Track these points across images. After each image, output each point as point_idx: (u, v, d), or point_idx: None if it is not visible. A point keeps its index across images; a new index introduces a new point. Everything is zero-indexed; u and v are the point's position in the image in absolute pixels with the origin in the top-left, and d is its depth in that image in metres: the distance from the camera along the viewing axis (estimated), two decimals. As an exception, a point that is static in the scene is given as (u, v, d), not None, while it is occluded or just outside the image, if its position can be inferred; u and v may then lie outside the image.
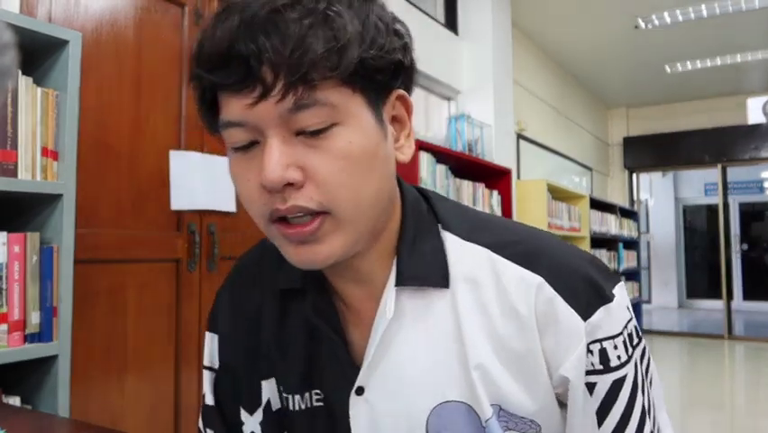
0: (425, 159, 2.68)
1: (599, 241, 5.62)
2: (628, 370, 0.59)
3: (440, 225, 0.63)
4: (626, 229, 6.50)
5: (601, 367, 0.57)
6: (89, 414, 1.73)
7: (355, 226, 0.55)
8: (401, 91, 0.59)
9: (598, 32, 5.31)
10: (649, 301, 9.80)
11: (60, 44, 1.41)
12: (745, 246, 9.76)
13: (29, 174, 1.33)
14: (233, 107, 0.52)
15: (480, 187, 3.55)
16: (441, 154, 3.00)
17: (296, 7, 0.50)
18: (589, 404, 0.58)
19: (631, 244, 6.79)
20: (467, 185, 3.38)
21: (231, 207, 2.23)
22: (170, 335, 2.02)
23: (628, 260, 6.56)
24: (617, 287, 0.60)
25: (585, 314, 0.57)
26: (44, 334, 1.34)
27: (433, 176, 2.75)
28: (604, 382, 0.58)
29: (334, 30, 0.50)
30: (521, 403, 0.58)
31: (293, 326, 0.67)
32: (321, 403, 0.64)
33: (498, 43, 4.11)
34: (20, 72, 1.34)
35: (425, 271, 0.60)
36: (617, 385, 0.58)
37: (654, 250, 10.05)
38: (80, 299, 1.66)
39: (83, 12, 1.82)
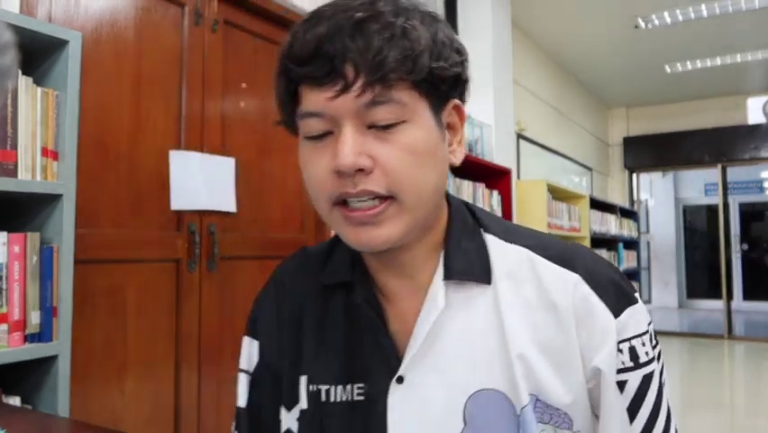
0: (425, 159, 2.68)
1: (599, 241, 5.62)
2: (655, 367, 0.64)
3: (481, 229, 0.69)
4: (626, 229, 6.49)
5: (632, 364, 0.62)
6: (89, 414, 1.73)
7: (413, 214, 0.61)
8: (457, 101, 0.66)
9: (598, 32, 5.31)
10: (649, 301, 9.80)
11: (60, 44, 1.41)
12: (745, 246, 9.76)
13: (29, 174, 1.33)
14: (315, 99, 0.59)
15: (480, 187, 3.55)
16: (441, 154, 2.98)
17: (379, 20, 0.57)
18: (621, 402, 0.62)
19: (631, 245, 6.79)
20: (467, 185, 3.38)
21: (231, 207, 2.23)
22: (170, 335, 2.02)
23: (628, 260, 6.56)
24: (636, 293, 0.66)
25: (615, 312, 0.62)
26: (44, 334, 1.34)
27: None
28: (634, 378, 0.62)
29: (411, 41, 0.57)
30: (557, 394, 0.62)
31: (334, 321, 0.71)
32: (362, 397, 0.67)
33: (498, 43, 4.11)
34: (20, 72, 1.34)
35: (470, 267, 0.65)
36: (647, 381, 0.62)
37: (654, 250, 10.05)
38: (80, 299, 1.66)
39: (83, 12, 1.82)
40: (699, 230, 10.73)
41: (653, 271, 10.16)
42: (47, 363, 1.36)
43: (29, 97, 1.34)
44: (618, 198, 7.73)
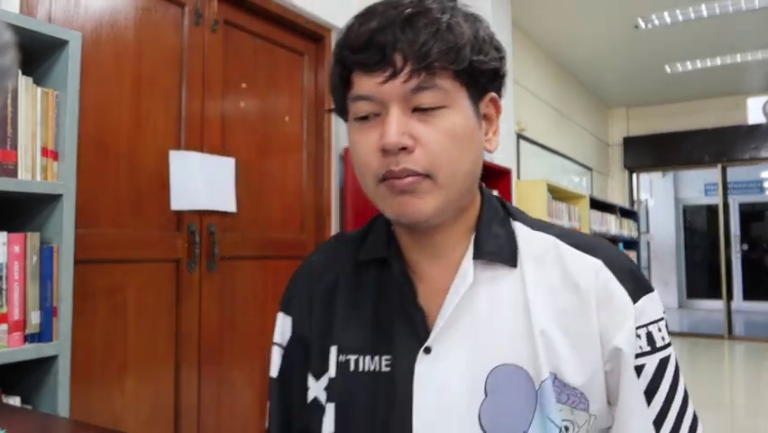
0: (425, 159, 2.69)
1: (599, 241, 5.60)
2: (671, 351, 0.68)
3: (510, 218, 0.75)
4: (626, 229, 6.49)
5: (649, 349, 0.67)
6: (89, 414, 1.73)
7: (448, 192, 0.66)
8: (494, 94, 0.71)
9: (598, 32, 5.31)
10: (649, 301, 9.77)
11: (60, 44, 1.41)
12: (746, 246, 9.76)
13: (29, 174, 1.33)
14: (366, 84, 0.65)
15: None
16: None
17: (426, 15, 0.64)
18: (638, 385, 0.66)
19: (631, 245, 6.79)
20: (467, 185, 3.37)
21: (231, 207, 2.23)
22: (170, 335, 2.02)
23: (628, 260, 6.54)
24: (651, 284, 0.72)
25: (634, 298, 0.67)
26: (44, 334, 1.34)
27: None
28: (651, 362, 0.66)
29: (454, 35, 0.63)
30: (575, 372, 0.65)
31: (366, 295, 0.75)
32: (388, 369, 0.70)
33: (498, 43, 4.10)
34: (20, 72, 1.34)
35: (499, 249, 0.70)
36: (663, 364, 0.67)
37: (654, 250, 10.04)
38: (80, 299, 1.66)
39: (83, 12, 1.82)
40: (699, 230, 10.73)
41: (653, 272, 10.14)
42: (47, 363, 1.36)
43: (29, 97, 1.34)
44: (618, 198, 7.72)
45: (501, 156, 3.98)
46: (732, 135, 7.16)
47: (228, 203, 2.22)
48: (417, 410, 0.67)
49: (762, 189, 10.13)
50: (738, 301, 9.16)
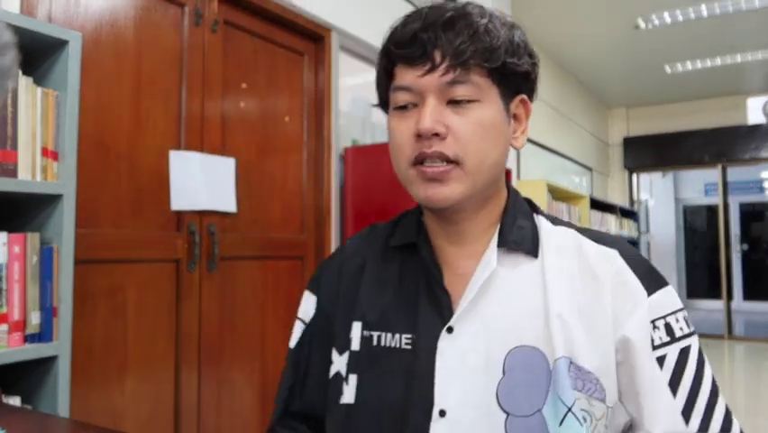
0: (425, 159, 2.69)
1: (599, 241, 5.60)
2: (692, 341, 0.70)
3: (534, 213, 0.80)
4: (626, 229, 6.49)
5: (668, 339, 0.70)
6: (89, 414, 1.73)
7: (474, 180, 0.71)
8: (524, 96, 0.77)
9: (598, 32, 5.31)
10: (649, 301, 9.77)
11: (60, 44, 1.41)
12: (746, 246, 9.75)
13: (29, 174, 1.33)
14: (407, 76, 0.72)
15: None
16: (441, 154, 2.99)
17: (466, 19, 0.70)
18: (662, 377, 0.68)
19: (631, 245, 6.78)
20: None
21: (231, 207, 2.23)
22: (170, 335, 2.02)
23: (628, 260, 6.54)
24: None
25: (648, 290, 0.71)
26: (44, 334, 1.34)
27: (433, 176, 2.75)
28: (672, 352, 0.69)
29: (490, 37, 0.70)
30: (588, 355, 0.68)
31: (393, 277, 0.80)
32: (409, 346, 0.75)
33: (498, 43, 4.10)
34: (20, 72, 1.34)
35: (522, 240, 0.75)
36: (685, 354, 0.69)
37: (654, 250, 10.02)
38: (80, 299, 1.66)
39: (83, 12, 1.82)
40: (699, 230, 10.73)
41: (654, 272, 10.14)
42: (47, 363, 1.36)
43: (29, 97, 1.34)
44: (618, 198, 7.72)
45: (501, 156, 3.98)
46: (732, 135, 7.16)
47: (228, 203, 2.22)
48: (439, 384, 0.71)
49: (762, 189, 10.13)
50: (738, 301, 9.16)
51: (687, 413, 0.67)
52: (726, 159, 7.28)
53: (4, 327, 1.27)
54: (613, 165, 7.95)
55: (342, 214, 2.78)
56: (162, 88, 2.04)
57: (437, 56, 0.69)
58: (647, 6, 4.75)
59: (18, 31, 1.28)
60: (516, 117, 0.77)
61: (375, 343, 0.77)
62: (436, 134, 0.70)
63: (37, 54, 1.44)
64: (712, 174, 7.90)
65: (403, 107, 0.73)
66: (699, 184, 10.38)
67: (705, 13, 4.81)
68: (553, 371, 0.68)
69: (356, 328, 0.79)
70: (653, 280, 0.72)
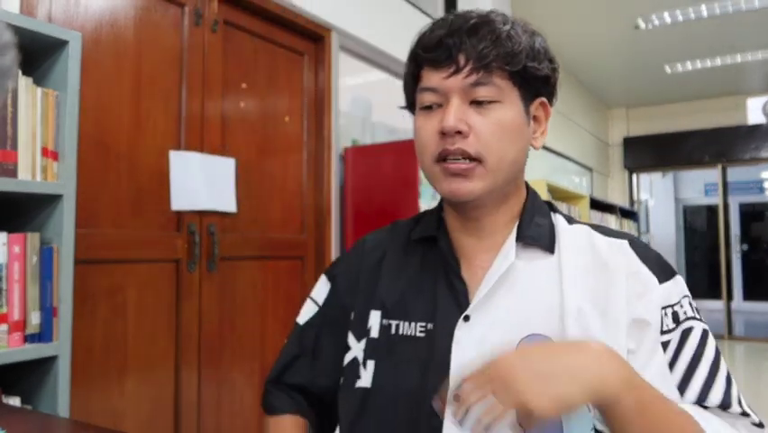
0: (425, 159, 2.69)
1: (599, 241, 5.59)
2: (694, 324, 0.73)
3: (552, 212, 0.84)
4: (626, 229, 6.49)
5: (674, 325, 0.72)
6: (89, 414, 1.73)
7: (495, 177, 0.76)
8: (544, 99, 0.81)
9: (598, 31, 5.31)
10: (649, 301, 9.77)
11: (60, 44, 1.41)
12: (746, 246, 9.75)
13: (29, 174, 1.33)
14: (433, 78, 0.76)
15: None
16: (441, 154, 2.98)
17: (489, 25, 0.75)
18: (663, 360, 0.71)
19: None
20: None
21: (231, 207, 2.23)
22: (170, 335, 2.02)
23: (628, 260, 6.53)
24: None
25: (660, 279, 0.74)
26: (44, 334, 1.34)
27: (433, 176, 2.75)
28: (675, 335, 0.72)
29: (512, 43, 0.74)
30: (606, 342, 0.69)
31: (412, 268, 0.84)
32: (423, 334, 0.78)
33: (498, 43, 4.10)
34: (20, 72, 1.33)
35: (540, 236, 0.79)
36: (686, 334, 0.72)
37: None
38: (80, 299, 1.66)
39: (83, 12, 1.81)
40: (699, 230, 10.72)
41: (653, 272, 10.14)
42: (47, 363, 1.36)
43: (29, 97, 1.34)
44: (618, 198, 7.72)
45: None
46: (732, 135, 7.16)
47: (228, 203, 2.22)
48: (455, 371, 0.73)
49: (762, 189, 10.12)
50: (738, 301, 9.15)
51: (683, 387, 0.70)
52: (726, 159, 7.27)
53: (4, 327, 1.27)
54: (613, 165, 7.95)
55: (342, 214, 2.78)
56: (162, 88, 2.04)
57: (461, 59, 0.74)
58: (647, 6, 4.75)
59: (18, 31, 1.28)
60: (535, 119, 0.81)
61: (393, 331, 0.80)
62: (459, 132, 0.74)
63: (37, 54, 1.44)
64: (712, 174, 7.89)
65: (428, 107, 0.78)
66: (699, 184, 10.38)
67: (705, 13, 4.81)
68: None
69: (375, 317, 0.83)
70: (662, 270, 0.75)
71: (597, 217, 5.42)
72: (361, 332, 0.83)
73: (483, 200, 0.78)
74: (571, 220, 0.84)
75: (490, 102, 0.75)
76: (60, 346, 1.35)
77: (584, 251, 0.78)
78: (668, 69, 6.27)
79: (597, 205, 5.53)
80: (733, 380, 0.72)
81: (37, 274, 1.34)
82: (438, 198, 0.85)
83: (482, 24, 0.75)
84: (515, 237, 0.79)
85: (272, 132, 2.48)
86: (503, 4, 4.21)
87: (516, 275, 0.77)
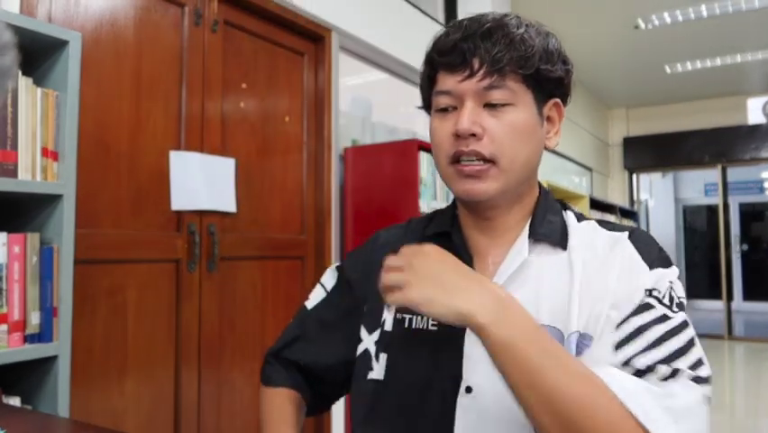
0: (425, 159, 2.68)
1: (599, 241, 5.59)
2: (657, 305, 0.71)
3: (563, 210, 0.86)
4: (626, 229, 6.47)
5: (634, 311, 0.71)
6: (89, 414, 1.73)
7: (508, 177, 0.78)
8: (558, 100, 0.83)
9: (598, 31, 5.31)
10: (649, 301, 9.76)
11: (60, 44, 1.41)
12: (745, 246, 9.75)
13: (29, 174, 1.33)
14: (448, 81, 0.78)
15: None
16: (441, 154, 2.98)
17: (503, 29, 0.77)
18: (613, 337, 0.70)
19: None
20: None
21: (231, 207, 2.23)
22: (170, 335, 2.02)
23: (628, 260, 6.53)
24: (674, 265, 0.77)
25: (651, 266, 0.74)
26: (44, 334, 1.34)
27: (433, 176, 2.74)
28: (634, 321, 0.70)
29: (525, 46, 0.76)
30: (594, 326, 0.72)
31: None
32: (435, 328, 0.81)
33: (498, 43, 4.09)
34: (20, 72, 1.34)
35: (551, 233, 0.81)
36: (644, 307, 0.71)
37: (654, 250, 10.02)
38: (80, 299, 1.66)
39: (83, 12, 1.82)
40: (699, 230, 10.73)
41: (653, 272, 10.13)
42: (47, 363, 1.36)
43: (29, 98, 1.34)
44: (618, 198, 7.72)
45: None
46: (732, 136, 7.16)
47: (228, 203, 2.22)
48: (467, 362, 0.76)
49: (762, 189, 10.13)
50: (738, 301, 9.15)
51: (620, 346, 0.68)
52: (726, 159, 7.28)
53: (4, 327, 1.27)
54: (613, 165, 7.95)
55: (342, 214, 2.78)
56: (162, 88, 2.04)
57: (476, 63, 0.76)
58: (647, 6, 4.75)
59: (18, 31, 1.28)
60: (549, 119, 0.83)
61: (407, 325, 0.83)
62: (473, 135, 0.76)
63: (37, 54, 1.44)
64: (712, 174, 7.90)
65: (444, 110, 0.80)
66: (699, 184, 10.38)
67: (705, 13, 4.81)
68: (565, 345, 0.72)
69: (390, 311, 0.85)
70: (656, 259, 0.76)
71: (597, 217, 5.41)
72: (374, 325, 0.86)
73: (497, 200, 0.80)
74: (580, 218, 0.85)
75: (504, 105, 0.76)
76: (60, 346, 1.36)
77: (590, 246, 0.80)
78: (668, 69, 6.27)
79: (597, 205, 5.53)
80: (683, 345, 0.69)
81: (37, 274, 1.34)
82: (452, 197, 0.87)
83: (496, 28, 0.76)
84: (527, 234, 0.81)
85: (272, 132, 2.48)
86: (503, 5, 4.21)
87: (528, 271, 0.79)
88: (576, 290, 0.75)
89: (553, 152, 5.86)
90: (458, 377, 0.76)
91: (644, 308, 0.71)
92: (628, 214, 6.83)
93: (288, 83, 2.58)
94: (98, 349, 1.79)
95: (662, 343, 0.68)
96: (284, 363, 0.94)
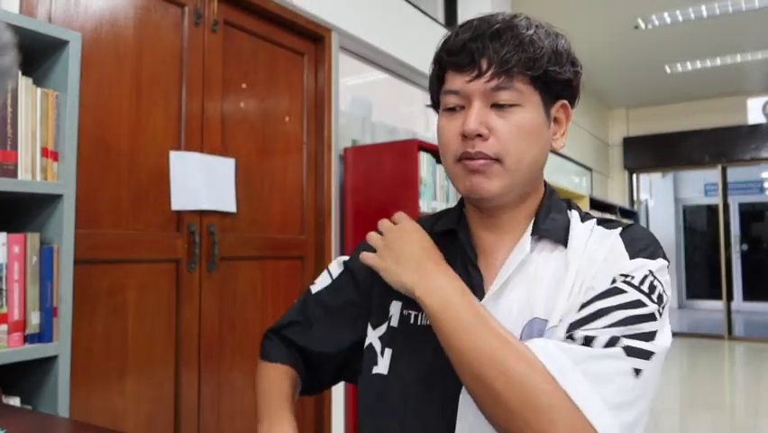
0: (425, 159, 2.68)
1: (599, 241, 5.60)
2: (630, 290, 0.71)
3: (568, 209, 0.86)
4: (626, 229, 6.47)
5: (604, 293, 0.72)
6: (89, 414, 1.73)
7: (513, 176, 0.78)
8: (565, 101, 0.83)
9: (598, 31, 5.31)
10: (649, 301, 9.76)
11: (60, 44, 1.41)
12: (745, 246, 9.75)
13: (29, 174, 1.33)
14: (456, 81, 0.79)
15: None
16: (441, 154, 2.99)
17: (512, 30, 0.77)
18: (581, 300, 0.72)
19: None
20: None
21: (231, 207, 2.23)
22: (170, 335, 2.02)
23: (628, 260, 6.53)
24: (664, 259, 0.77)
25: (631, 256, 0.75)
26: (44, 334, 1.34)
27: (433, 176, 2.74)
28: (598, 303, 0.70)
29: (534, 48, 0.76)
30: (570, 313, 0.73)
31: None
32: None
33: (498, 43, 4.09)
34: (20, 72, 1.34)
35: (554, 230, 0.82)
36: (612, 291, 0.71)
37: (654, 250, 10.01)
38: (80, 299, 1.66)
39: (83, 12, 1.82)
40: (699, 230, 10.73)
41: (653, 272, 10.12)
42: (47, 363, 1.36)
43: (29, 98, 1.34)
44: (618, 198, 7.72)
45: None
46: (732, 136, 7.16)
47: (228, 203, 2.22)
48: None
49: (762, 189, 10.13)
50: (738, 302, 9.16)
51: (576, 326, 0.69)
52: (726, 159, 7.28)
53: (4, 327, 1.27)
54: (613, 165, 7.95)
55: (342, 214, 2.78)
56: (162, 88, 2.04)
57: (484, 64, 0.76)
58: (647, 6, 4.75)
59: (18, 31, 1.28)
60: (556, 121, 0.84)
61: (412, 321, 0.85)
62: (479, 135, 0.77)
63: (37, 54, 1.44)
64: (712, 174, 7.90)
65: (452, 109, 0.81)
66: (698, 184, 10.39)
67: (705, 13, 4.81)
68: (546, 334, 0.74)
69: (395, 307, 0.87)
70: (641, 251, 0.75)
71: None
72: (380, 320, 0.88)
73: (502, 199, 0.80)
74: (585, 217, 0.86)
75: (511, 105, 0.77)
76: (60, 346, 1.36)
77: (588, 242, 0.81)
78: (668, 69, 6.27)
79: (597, 205, 5.53)
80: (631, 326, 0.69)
81: (37, 274, 1.34)
82: (452, 197, 0.88)
83: (506, 29, 0.77)
84: (530, 231, 0.82)
85: (272, 132, 2.48)
86: (503, 5, 4.21)
87: (529, 267, 0.80)
88: (567, 286, 0.76)
89: (553, 151, 5.86)
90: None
91: (612, 292, 0.70)
92: (628, 214, 6.83)
93: (287, 83, 2.58)
94: (98, 349, 1.79)
95: (611, 327, 0.68)
96: (283, 339, 0.96)
